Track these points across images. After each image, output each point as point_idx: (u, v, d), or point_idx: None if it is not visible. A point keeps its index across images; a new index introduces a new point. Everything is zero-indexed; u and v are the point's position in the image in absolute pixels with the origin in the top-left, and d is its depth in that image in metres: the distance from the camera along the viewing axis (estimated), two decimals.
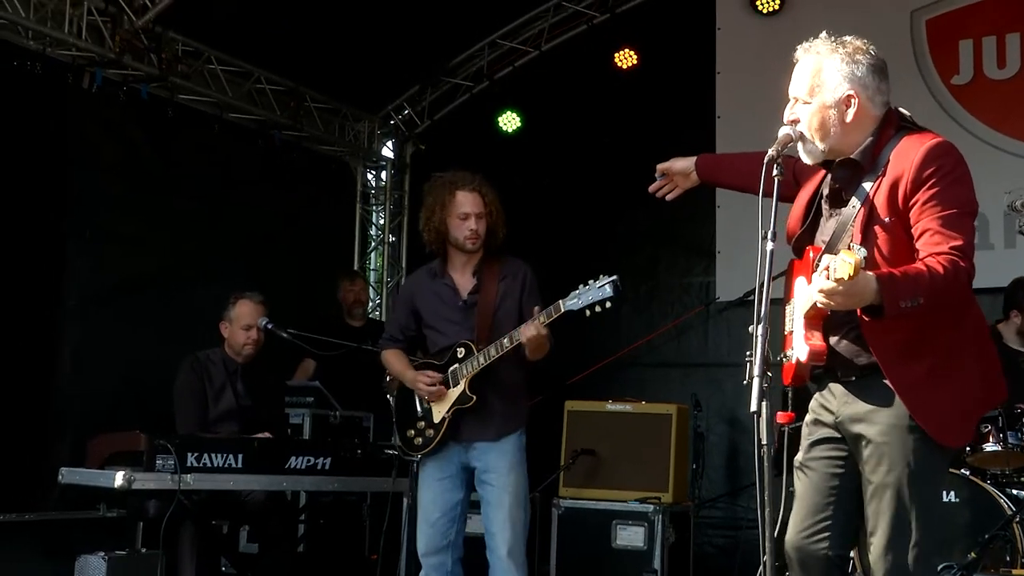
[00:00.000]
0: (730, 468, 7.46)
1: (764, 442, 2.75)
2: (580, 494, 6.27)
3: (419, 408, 4.56)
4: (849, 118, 3.06)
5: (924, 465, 2.94)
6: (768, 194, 2.96)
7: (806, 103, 3.09)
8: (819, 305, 2.86)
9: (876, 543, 2.97)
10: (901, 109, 3.14)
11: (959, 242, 2.85)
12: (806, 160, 3.15)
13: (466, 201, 4.51)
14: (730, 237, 7.46)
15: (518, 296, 4.53)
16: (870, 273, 2.79)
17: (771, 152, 2.94)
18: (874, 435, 3.01)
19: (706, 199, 7.53)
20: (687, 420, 6.58)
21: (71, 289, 6.50)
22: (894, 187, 2.94)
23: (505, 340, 4.32)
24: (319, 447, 5.20)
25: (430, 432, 4.50)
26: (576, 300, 4.16)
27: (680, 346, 7.84)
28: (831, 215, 3.12)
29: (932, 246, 2.86)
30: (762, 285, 2.85)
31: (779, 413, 2.86)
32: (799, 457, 3.22)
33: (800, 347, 3.03)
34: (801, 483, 3.17)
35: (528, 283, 4.56)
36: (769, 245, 2.86)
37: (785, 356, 3.07)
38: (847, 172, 3.09)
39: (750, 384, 2.76)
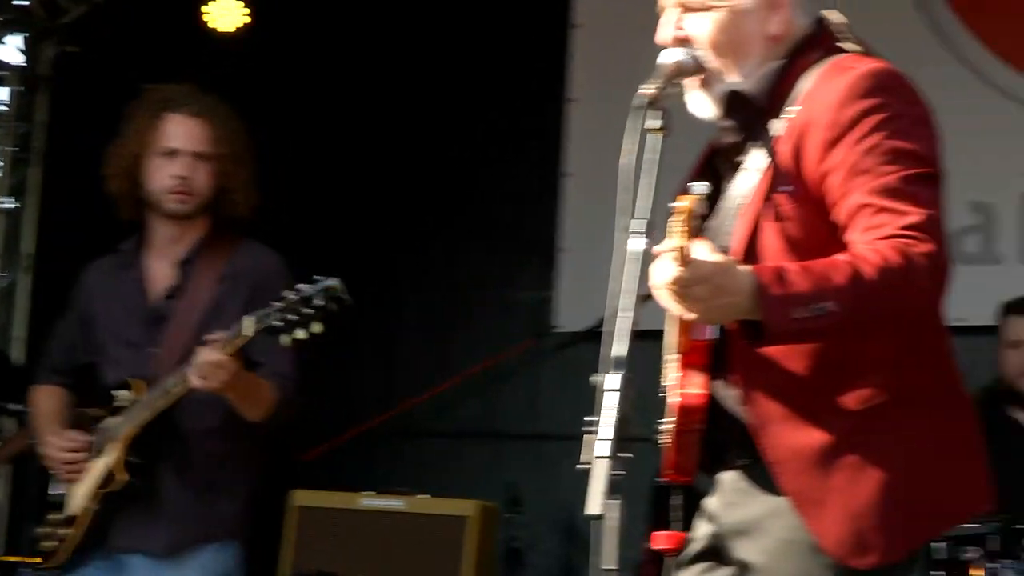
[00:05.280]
0: None
1: (609, 567, 2.77)
2: None
3: (52, 489, 4.52)
4: (775, 29, 3.17)
5: None
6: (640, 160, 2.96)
7: (703, 7, 3.16)
8: (674, 310, 2.90)
9: None
10: (832, 14, 3.22)
11: (914, 218, 2.89)
12: (703, 110, 3.21)
13: (177, 129, 4.49)
14: (584, 227, 7.63)
15: (240, 308, 4.48)
16: (744, 267, 2.85)
17: (648, 89, 2.98)
18: (759, 557, 3.08)
19: (547, 159, 7.72)
20: (495, 527, 6.68)
21: None
22: (803, 137, 3.02)
23: (171, 379, 4.29)
24: None
25: (62, 532, 4.45)
26: (271, 318, 4.14)
27: (491, 405, 8.01)
28: (727, 187, 3.19)
29: (870, 230, 2.91)
30: (624, 307, 2.89)
31: (658, 533, 2.89)
32: None
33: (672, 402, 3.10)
34: None
35: (263, 289, 4.49)
36: (638, 243, 2.87)
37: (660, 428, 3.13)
38: (742, 115, 3.17)
39: (591, 470, 2.77)
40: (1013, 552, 5.40)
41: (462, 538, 6.38)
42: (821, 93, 3.03)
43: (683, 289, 2.79)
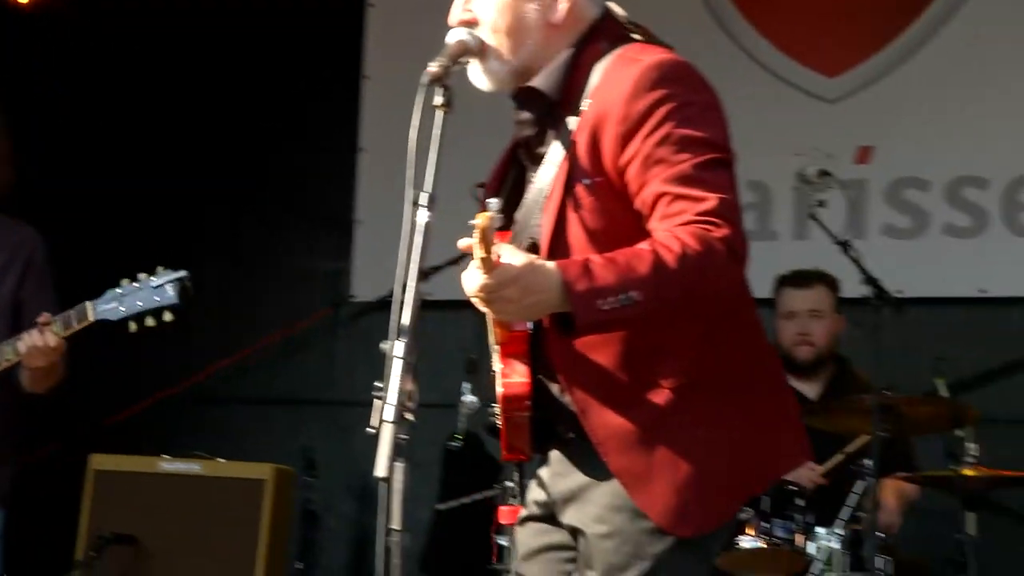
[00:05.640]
0: (359, 569, 7.58)
1: (394, 527, 2.79)
2: None
3: None
4: (557, 16, 3.20)
5: (656, 572, 3.08)
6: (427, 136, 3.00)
7: None
8: (487, 312, 2.98)
9: None
10: (615, 7, 3.29)
11: (710, 203, 2.93)
12: (482, 85, 3.26)
13: None
14: (379, 200, 7.63)
15: (15, 284, 4.46)
16: (550, 263, 2.91)
17: (433, 68, 3.01)
18: (587, 522, 3.16)
19: (344, 134, 7.77)
20: (290, 490, 6.68)
21: None
22: (597, 130, 3.08)
23: None
24: None
25: None
26: (116, 304, 4.14)
27: (289, 372, 7.98)
28: (531, 180, 3.24)
29: (668, 218, 2.96)
30: (410, 278, 2.92)
31: (503, 508, 2.87)
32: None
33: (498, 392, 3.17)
34: None
35: (35, 264, 4.49)
36: (423, 216, 2.92)
37: (492, 411, 3.21)
38: (537, 109, 3.22)
39: (379, 434, 2.79)
40: (784, 512, 5.53)
41: (259, 501, 6.37)
42: (611, 86, 3.08)
43: (492, 294, 2.87)
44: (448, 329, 7.22)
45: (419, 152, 2.95)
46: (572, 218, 3.08)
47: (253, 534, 6.33)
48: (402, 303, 2.92)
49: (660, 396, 3.07)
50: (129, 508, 6.39)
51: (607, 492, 3.11)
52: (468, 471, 6.37)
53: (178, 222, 7.83)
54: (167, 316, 4.15)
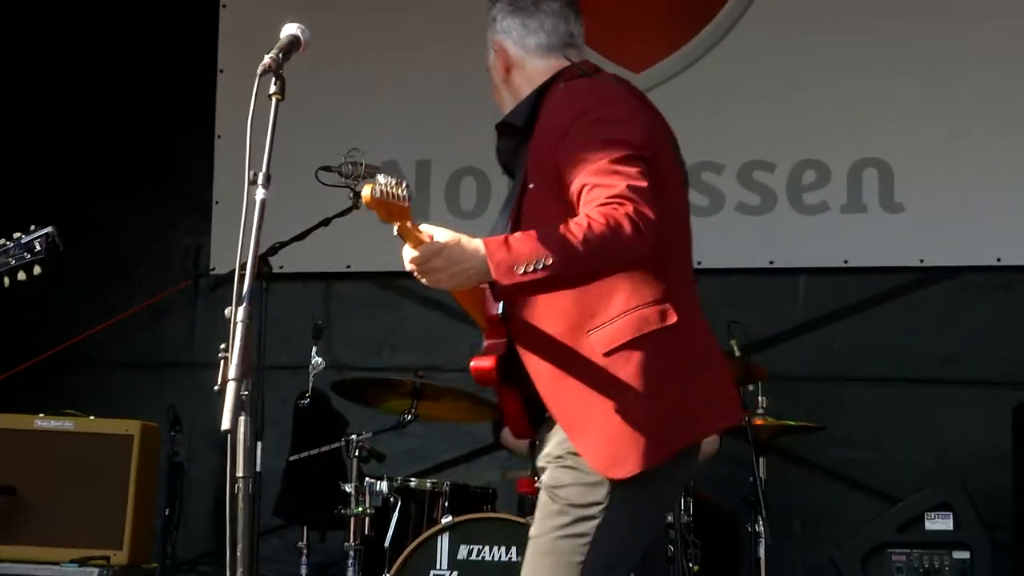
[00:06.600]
0: (221, 515, 7.54)
1: (241, 474, 2.78)
2: None
3: None
4: (499, 74, 3.61)
5: (576, 505, 3.23)
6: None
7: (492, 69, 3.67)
8: (423, 283, 3.14)
9: None
10: (575, 56, 3.59)
11: (619, 188, 3.15)
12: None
13: None
14: (233, 182, 7.57)
15: None
16: (476, 239, 3.12)
17: (267, 59, 3.02)
18: (544, 478, 3.38)
19: (201, 120, 7.75)
20: (157, 444, 6.71)
21: None
22: (538, 145, 3.40)
23: None
24: None
25: None
26: None
27: (154, 337, 7.97)
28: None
29: (588, 203, 3.19)
30: (249, 250, 2.94)
31: (522, 479, 2.86)
32: None
33: None
34: None
35: None
36: (259, 193, 2.94)
37: None
38: (510, 140, 3.55)
39: (223, 391, 2.82)
40: None
41: (128, 454, 6.41)
42: (549, 111, 3.41)
43: (422, 265, 3.05)
44: (297, 298, 7.25)
45: (256, 136, 2.96)
46: (524, 217, 3.35)
47: (123, 484, 6.36)
48: (242, 274, 2.91)
49: (600, 359, 3.24)
50: (7, 462, 6.37)
51: (556, 446, 3.31)
52: (316, 426, 6.36)
53: (59, 200, 7.71)
54: (36, 270, 4.13)
